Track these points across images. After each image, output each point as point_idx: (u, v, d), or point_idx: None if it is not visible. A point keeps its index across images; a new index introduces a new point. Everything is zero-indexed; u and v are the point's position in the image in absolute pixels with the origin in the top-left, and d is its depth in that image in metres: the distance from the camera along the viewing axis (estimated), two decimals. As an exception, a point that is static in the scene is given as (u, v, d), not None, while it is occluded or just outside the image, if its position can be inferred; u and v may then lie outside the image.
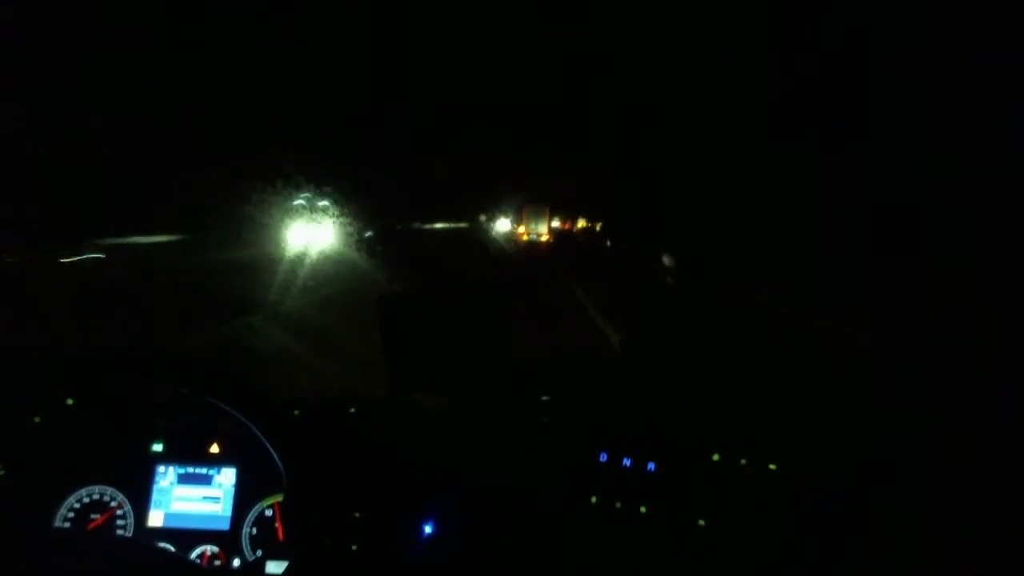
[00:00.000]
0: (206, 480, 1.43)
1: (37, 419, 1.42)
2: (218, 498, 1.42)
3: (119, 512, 1.41)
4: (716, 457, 1.29)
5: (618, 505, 1.28)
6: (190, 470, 1.44)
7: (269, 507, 1.41)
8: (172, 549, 1.36)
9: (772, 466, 1.27)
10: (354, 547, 1.26)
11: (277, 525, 1.39)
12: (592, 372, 1.74)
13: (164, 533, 1.41)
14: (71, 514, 1.41)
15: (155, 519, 1.42)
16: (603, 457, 1.32)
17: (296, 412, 1.44)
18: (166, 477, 1.44)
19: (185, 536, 1.40)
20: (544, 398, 1.52)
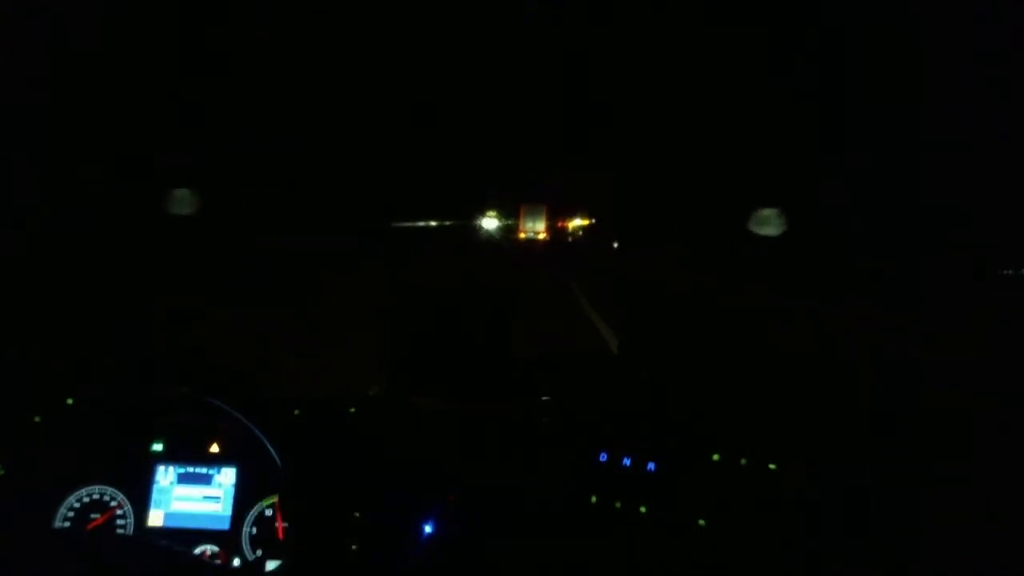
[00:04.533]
0: (206, 480, 1.43)
1: (37, 419, 1.42)
2: (218, 498, 1.43)
3: (119, 512, 1.41)
4: (716, 457, 1.29)
5: (618, 505, 1.28)
6: (190, 470, 1.44)
7: (269, 507, 1.41)
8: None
9: (772, 466, 1.27)
10: (354, 547, 1.26)
11: (277, 525, 1.40)
12: (592, 372, 1.74)
13: (164, 533, 1.41)
14: (71, 514, 1.41)
15: (155, 519, 1.42)
16: (603, 457, 1.32)
17: (296, 412, 1.44)
18: (166, 477, 1.44)
19: (185, 536, 1.40)
20: (544, 398, 1.52)
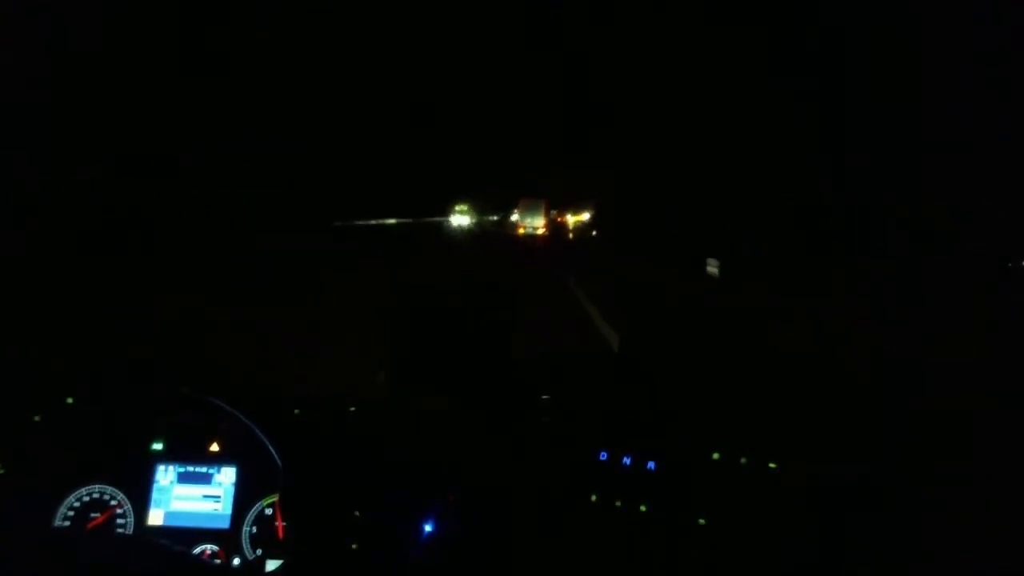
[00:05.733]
0: (206, 479, 1.43)
1: (37, 419, 1.42)
2: (218, 497, 1.42)
3: (119, 511, 1.41)
4: (716, 457, 1.29)
5: (618, 505, 1.28)
6: (190, 469, 1.44)
7: (269, 506, 1.41)
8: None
9: (772, 465, 1.27)
10: (354, 547, 1.26)
11: (277, 524, 1.40)
12: (592, 372, 1.74)
13: (164, 532, 1.41)
14: (71, 513, 1.41)
15: (155, 518, 1.42)
16: (603, 457, 1.32)
17: (296, 412, 1.44)
18: (166, 476, 1.44)
19: (185, 535, 1.40)
20: (544, 398, 1.51)
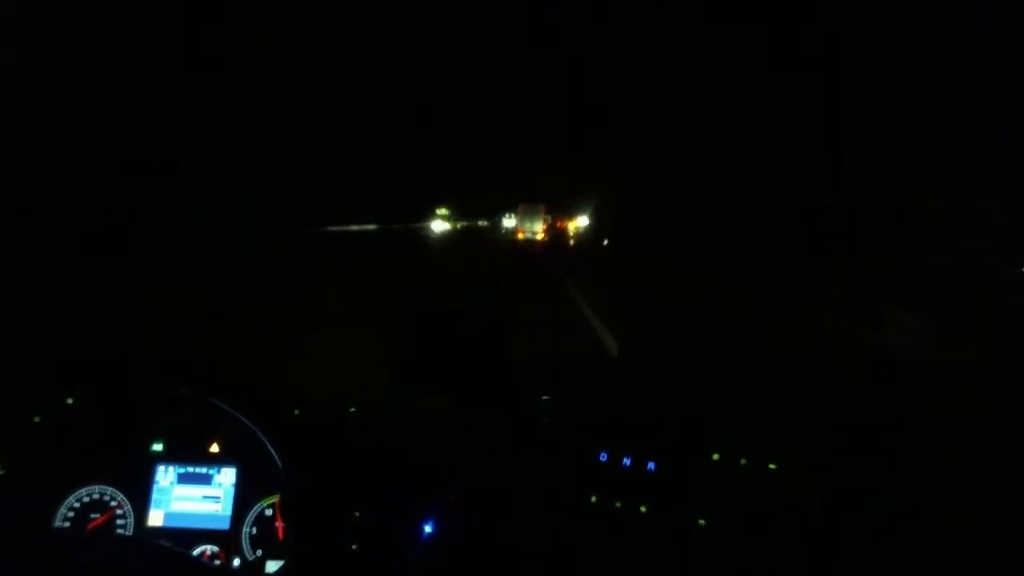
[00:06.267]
0: (206, 480, 1.43)
1: (37, 419, 1.42)
2: (218, 498, 1.43)
3: (119, 512, 1.41)
4: (716, 457, 1.29)
5: (618, 505, 1.28)
6: (190, 470, 1.44)
7: (269, 507, 1.41)
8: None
9: (772, 466, 1.27)
10: (354, 547, 1.26)
11: (277, 524, 1.40)
12: (592, 372, 1.74)
13: (164, 533, 1.41)
14: (71, 514, 1.41)
15: (155, 519, 1.42)
16: (603, 457, 1.32)
17: (296, 412, 1.44)
18: (166, 477, 1.44)
19: (185, 536, 1.40)
20: (544, 398, 1.51)
